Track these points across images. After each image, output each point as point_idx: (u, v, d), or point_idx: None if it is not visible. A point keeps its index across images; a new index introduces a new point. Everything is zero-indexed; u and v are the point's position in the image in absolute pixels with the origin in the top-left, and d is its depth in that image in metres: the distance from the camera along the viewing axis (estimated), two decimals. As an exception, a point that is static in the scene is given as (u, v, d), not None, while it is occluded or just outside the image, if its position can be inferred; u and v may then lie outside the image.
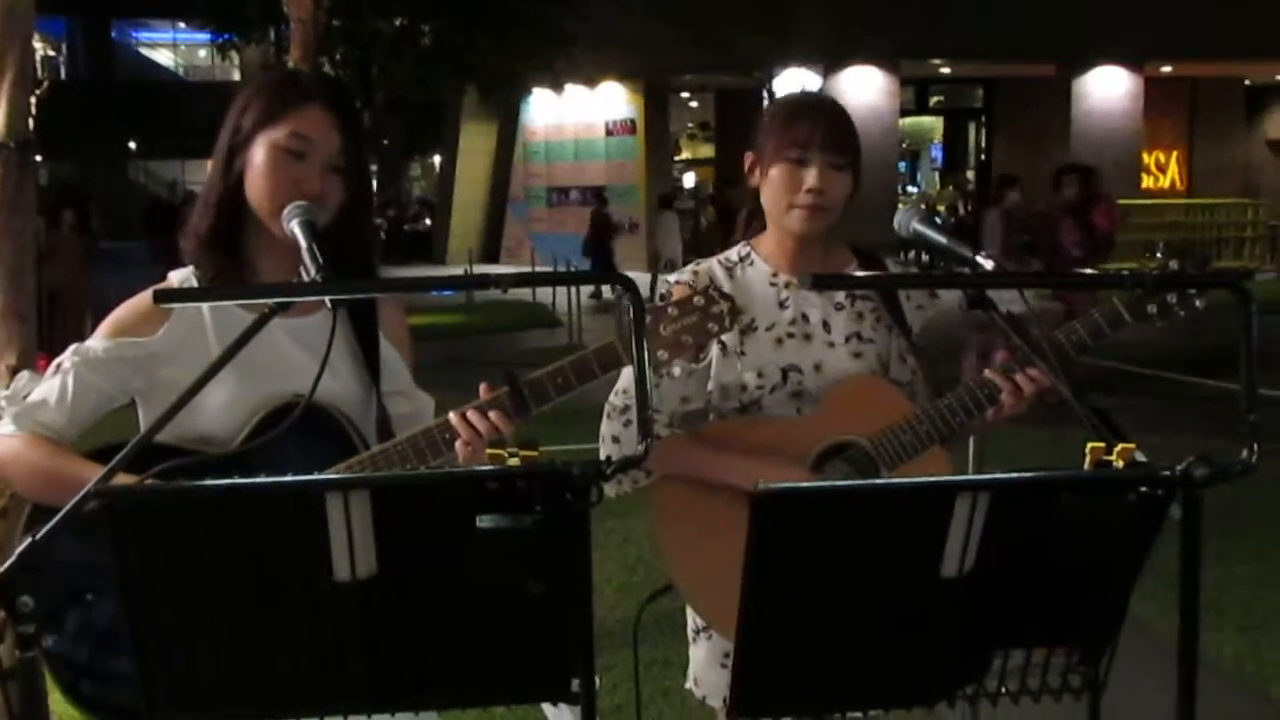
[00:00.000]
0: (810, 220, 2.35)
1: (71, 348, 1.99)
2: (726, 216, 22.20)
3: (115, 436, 1.90)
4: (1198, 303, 2.18)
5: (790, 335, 2.41)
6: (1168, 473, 1.38)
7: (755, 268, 2.45)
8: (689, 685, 2.58)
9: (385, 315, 2.16)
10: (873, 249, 2.51)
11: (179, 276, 2.07)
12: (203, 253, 2.02)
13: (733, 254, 2.48)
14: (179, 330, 2.01)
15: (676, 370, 2.37)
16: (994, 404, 2.25)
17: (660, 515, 2.37)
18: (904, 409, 2.31)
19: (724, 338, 2.38)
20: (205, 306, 2.02)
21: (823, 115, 2.38)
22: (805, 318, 2.42)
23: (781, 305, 2.43)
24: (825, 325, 2.42)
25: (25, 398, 1.98)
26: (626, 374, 2.36)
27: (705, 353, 2.37)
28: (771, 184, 2.37)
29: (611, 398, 2.42)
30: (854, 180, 2.38)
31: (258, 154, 1.98)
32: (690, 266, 2.49)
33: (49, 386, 1.97)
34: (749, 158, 2.43)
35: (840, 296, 2.44)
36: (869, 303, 2.44)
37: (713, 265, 2.46)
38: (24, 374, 2.04)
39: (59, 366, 1.98)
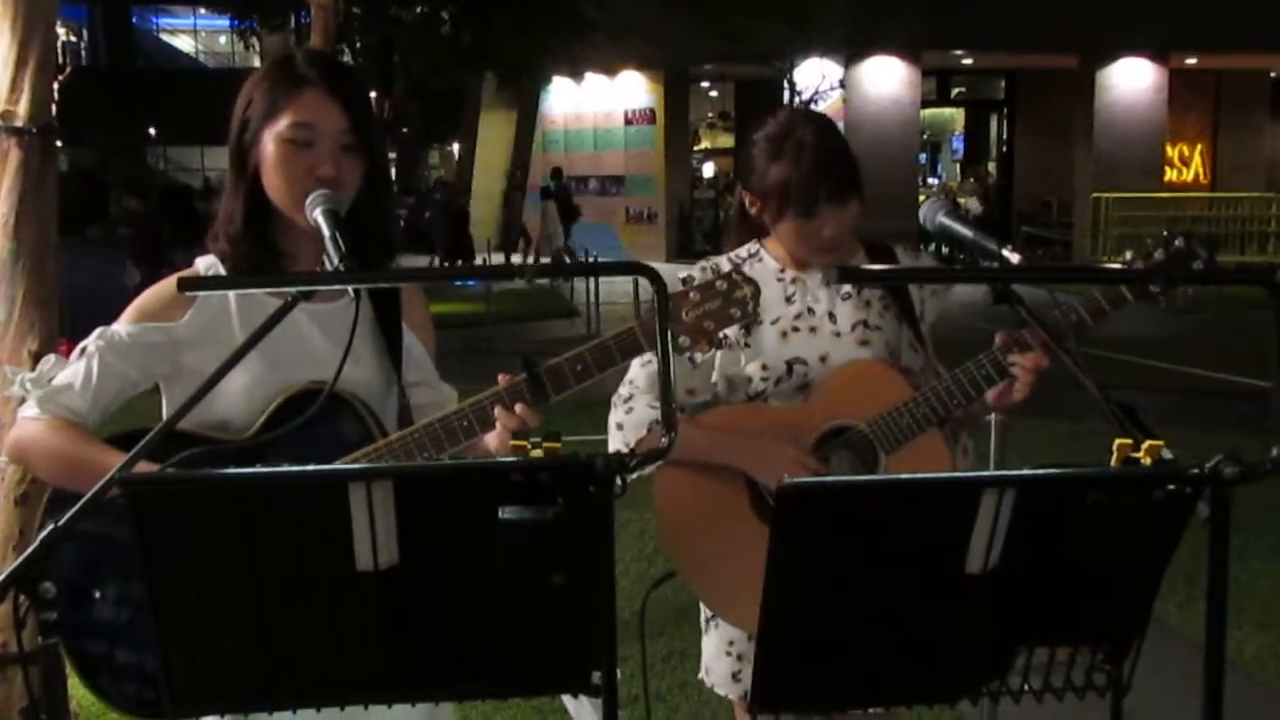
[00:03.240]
0: (830, 257, 2.40)
1: (96, 331, 2.00)
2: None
3: (139, 422, 1.90)
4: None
5: (795, 329, 2.42)
6: (1196, 471, 1.36)
7: (764, 264, 2.47)
8: (701, 675, 2.58)
9: (409, 304, 2.15)
10: (880, 240, 2.52)
11: (204, 263, 2.07)
12: (232, 247, 2.03)
13: (742, 251, 2.51)
14: (203, 316, 2.01)
15: (699, 356, 2.37)
16: (991, 385, 2.24)
17: (660, 501, 2.38)
18: (902, 392, 2.31)
19: (727, 331, 2.38)
20: (230, 293, 2.02)
21: (818, 158, 2.34)
22: (811, 310, 2.43)
23: (788, 299, 2.43)
24: (831, 316, 2.42)
25: (50, 381, 1.98)
26: (634, 365, 2.37)
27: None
28: (786, 236, 2.40)
29: (620, 388, 2.43)
30: (860, 198, 2.38)
31: (267, 148, 1.98)
32: (700, 263, 2.50)
33: (73, 370, 1.98)
34: (748, 197, 2.44)
35: (847, 286, 2.44)
36: (876, 291, 2.45)
37: (721, 262, 2.46)
38: (50, 357, 2.04)
39: (84, 350, 1.99)
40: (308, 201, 1.88)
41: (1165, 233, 2.02)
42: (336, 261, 1.73)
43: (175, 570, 1.30)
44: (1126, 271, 2.04)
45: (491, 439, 1.91)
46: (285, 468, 1.32)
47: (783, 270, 2.45)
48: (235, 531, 1.30)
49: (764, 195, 2.39)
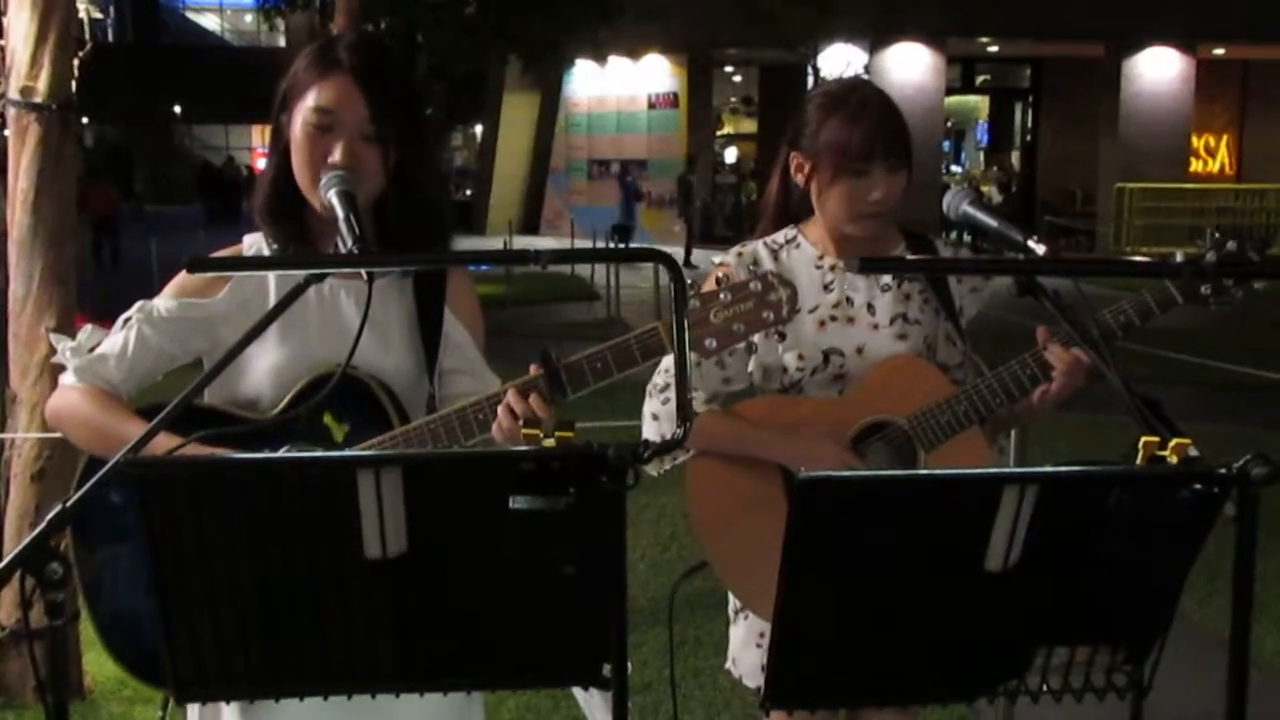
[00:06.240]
0: (873, 224, 2.32)
1: (138, 304, 2.03)
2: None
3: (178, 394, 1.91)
4: (1256, 284, 2.08)
5: (833, 318, 2.37)
6: (1224, 471, 1.33)
7: (801, 250, 2.41)
8: (727, 665, 2.57)
9: (454, 291, 2.11)
10: (921, 230, 2.46)
11: (250, 240, 2.08)
12: (267, 223, 2.03)
13: (779, 236, 2.44)
14: (242, 293, 2.02)
15: (728, 359, 2.34)
16: (1036, 384, 2.19)
17: (693, 492, 2.35)
18: (943, 389, 2.26)
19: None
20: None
21: (879, 118, 2.30)
22: (850, 300, 2.38)
23: (826, 288, 2.38)
24: (870, 308, 2.38)
25: (89, 351, 2.01)
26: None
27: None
28: (833, 198, 2.31)
29: (655, 376, 2.39)
30: (909, 172, 2.33)
31: (295, 127, 1.97)
32: (735, 248, 2.45)
33: (113, 341, 2.01)
34: (796, 159, 2.37)
35: (887, 278, 2.38)
36: (916, 284, 2.39)
37: (758, 247, 2.42)
38: (88, 327, 2.09)
39: (126, 321, 2.02)
40: (322, 183, 1.86)
41: (1216, 234, 1.95)
42: (350, 244, 1.71)
43: (181, 555, 1.29)
44: (1158, 264, 1.99)
45: (495, 430, 1.88)
46: (294, 453, 1.30)
47: (821, 257, 2.40)
48: (241, 517, 1.28)
49: (816, 154, 2.31)
